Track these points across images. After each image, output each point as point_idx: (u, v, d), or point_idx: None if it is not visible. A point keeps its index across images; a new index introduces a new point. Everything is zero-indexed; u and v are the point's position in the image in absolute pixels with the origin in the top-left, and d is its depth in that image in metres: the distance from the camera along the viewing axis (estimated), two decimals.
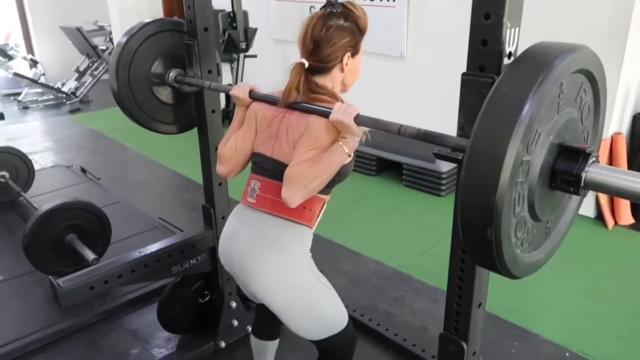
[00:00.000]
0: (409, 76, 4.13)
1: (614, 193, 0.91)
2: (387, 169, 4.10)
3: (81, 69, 6.77)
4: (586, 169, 0.90)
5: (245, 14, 4.81)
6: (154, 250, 1.94)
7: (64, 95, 6.69)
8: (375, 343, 2.25)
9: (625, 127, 3.39)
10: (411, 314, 2.48)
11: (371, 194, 3.82)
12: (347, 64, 1.38)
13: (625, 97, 3.26)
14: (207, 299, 2.26)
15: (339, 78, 1.41)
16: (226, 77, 3.71)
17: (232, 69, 5.06)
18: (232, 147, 1.47)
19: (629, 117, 3.40)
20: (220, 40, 4.80)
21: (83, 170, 4.30)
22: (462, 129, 1.06)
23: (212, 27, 1.87)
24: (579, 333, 2.31)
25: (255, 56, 5.02)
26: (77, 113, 6.36)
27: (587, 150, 0.91)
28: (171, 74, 1.94)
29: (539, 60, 0.83)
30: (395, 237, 3.22)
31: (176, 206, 3.70)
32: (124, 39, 1.86)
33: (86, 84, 6.69)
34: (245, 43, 4.85)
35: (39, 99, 6.77)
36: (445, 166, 3.71)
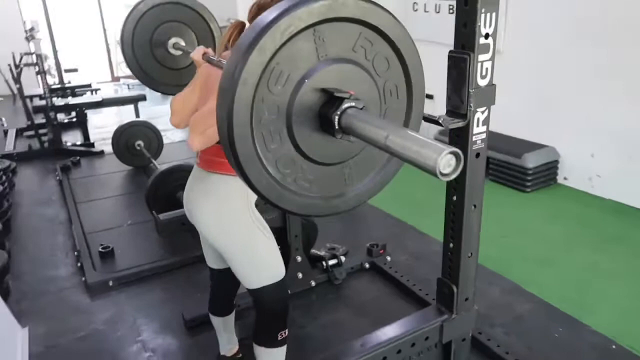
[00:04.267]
0: (506, 71, 4.13)
1: (361, 138, 0.87)
2: None
3: None
4: (338, 112, 0.88)
5: None
6: None
7: None
8: (419, 307, 2.45)
9: None
10: None
11: None
12: None
13: None
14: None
15: None
16: None
17: None
18: (180, 100, 1.62)
19: None
20: None
21: None
22: (449, 98, 1.27)
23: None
24: (632, 329, 2.28)
25: None
26: None
27: (335, 94, 0.89)
28: (170, 40, 2.32)
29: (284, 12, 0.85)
30: None
31: None
32: (131, 9, 2.27)
33: None
34: None
35: None
36: (531, 162, 3.69)
